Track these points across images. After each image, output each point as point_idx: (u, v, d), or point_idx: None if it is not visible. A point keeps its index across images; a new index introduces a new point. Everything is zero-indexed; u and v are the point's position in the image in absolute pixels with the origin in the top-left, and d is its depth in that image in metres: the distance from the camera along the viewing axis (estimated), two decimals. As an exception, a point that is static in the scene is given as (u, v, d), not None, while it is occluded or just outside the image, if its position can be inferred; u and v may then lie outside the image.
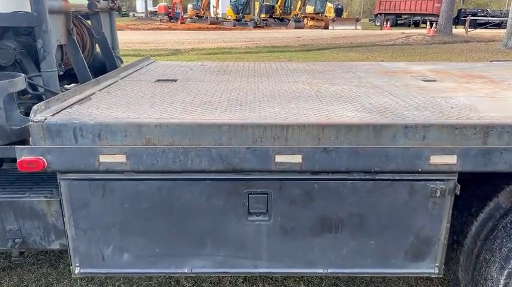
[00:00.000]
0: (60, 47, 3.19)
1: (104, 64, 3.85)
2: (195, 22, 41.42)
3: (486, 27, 33.57)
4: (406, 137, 2.20)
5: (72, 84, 3.76)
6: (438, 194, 2.22)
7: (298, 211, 2.27)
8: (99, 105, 2.61)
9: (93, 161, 2.17)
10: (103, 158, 2.17)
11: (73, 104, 2.60)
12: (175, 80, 3.53)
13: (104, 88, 3.12)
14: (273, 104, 2.65)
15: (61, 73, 3.10)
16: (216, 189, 2.25)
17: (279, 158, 2.16)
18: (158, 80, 3.53)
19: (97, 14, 3.74)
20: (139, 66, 4.24)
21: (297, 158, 2.15)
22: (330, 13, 38.59)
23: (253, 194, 2.25)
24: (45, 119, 2.23)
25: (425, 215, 2.26)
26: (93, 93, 2.95)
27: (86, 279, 3.37)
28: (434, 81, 3.53)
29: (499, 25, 34.80)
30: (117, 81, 3.44)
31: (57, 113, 2.38)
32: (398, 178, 2.21)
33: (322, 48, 21.22)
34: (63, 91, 2.99)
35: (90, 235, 2.35)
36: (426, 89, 3.15)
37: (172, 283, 3.35)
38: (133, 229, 2.31)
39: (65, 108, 2.49)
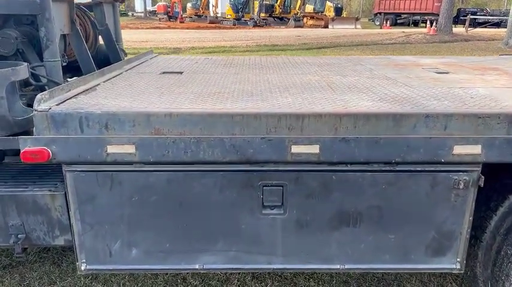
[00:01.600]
0: (63, 37, 3.09)
1: (107, 56, 3.75)
2: (194, 21, 41.27)
3: (485, 27, 33.54)
4: (427, 127, 2.11)
5: (75, 78, 3.66)
6: (461, 186, 2.12)
7: (315, 204, 2.17)
8: (106, 95, 2.51)
9: (101, 152, 2.08)
10: (111, 149, 2.07)
11: (78, 94, 2.51)
12: (182, 73, 3.44)
13: (108, 79, 3.02)
14: (285, 95, 2.55)
15: (64, 64, 3.00)
16: (229, 181, 2.15)
17: (296, 149, 2.06)
18: (164, 72, 3.43)
19: (100, 5, 3.64)
20: (143, 59, 4.14)
21: (314, 149, 2.06)
22: (330, 12, 38.48)
23: (268, 186, 2.15)
24: (50, 108, 2.13)
25: (447, 208, 2.17)
26: (98, 84, 2.85)
27: (90, 277, 3.26)
28: (447, 73, 3.44)
29: (498, 24, 34.78)
30: (121, 73, 3.34)
31: (62, 102, 2.28)
32: (419, 169, 2.12)
33: (322, 46, 21.12)
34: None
35: (97, 229, 2.25)
36: (441, 80, 3.06)
37: (179, 280, 3.25)
38: (142, 223, 2.21)
39: (70, 98, 2.39)
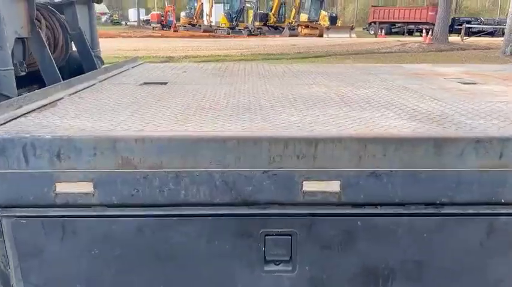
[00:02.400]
0: (22, 41, 2.57)
1: (81, 65, 3.23)
2: (188, 30, 40.89)
3: (479, 36, 33.47)
4: (478, 155, 1.61)
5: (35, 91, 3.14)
6: (527, 234, 1.62)
7: (334, 259, 1.65)
8: (65, 113, 2.00)
9: (48, 192, 1.55)
10: (61, 187, 1.55)
11: (30, 111, 1.99)
12: (166, 83, 2.94)
13: (76, 92, 2.51)
14: (291, 111, 2.05)
15: (22, 74, 2.48)
16: (220, 229, 1.62)
17: (309, 186, 1.55)
18: (145, 83, 2.92)
19: (72, 6, 3.14)
20: (124, 68, 3.63)
21: (333, 186, 1.55)
22: (324, 21, 38.28)
23: (272, 235, 1.62)
24: (-16, 131, 1.61)
25: (508, 262, 1.66)
26: (61, 98, 2.34)
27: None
28: (474, 83, 2.96)
29: (492, 33, 34.78)
30: (94, 84, 2.83)
31: (5, 123, 1.77)
32: (472, 211, 1.61)
33: (318, 55, 20.74)
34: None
35: (46, 291, 1.71)
36: (473, 93, 2.58)
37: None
38: (104, 285, 1.67)
39: (18, 117, 1.88)
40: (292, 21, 38.97)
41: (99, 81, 2.92)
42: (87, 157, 1.58)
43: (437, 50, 24.31)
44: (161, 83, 2.93)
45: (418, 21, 39.72)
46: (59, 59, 3.10)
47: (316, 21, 38.13)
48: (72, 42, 3.30)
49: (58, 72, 2.66)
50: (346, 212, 1.60)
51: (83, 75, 2.84)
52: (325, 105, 2.20)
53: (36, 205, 1.58)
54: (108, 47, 19.59)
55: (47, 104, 2.16)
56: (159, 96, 2.41)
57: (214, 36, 34.48)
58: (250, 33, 36.55)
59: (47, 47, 2.66)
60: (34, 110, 2.02)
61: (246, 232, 1.61)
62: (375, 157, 1.60)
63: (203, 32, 37.85)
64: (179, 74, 3.46)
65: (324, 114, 1.98)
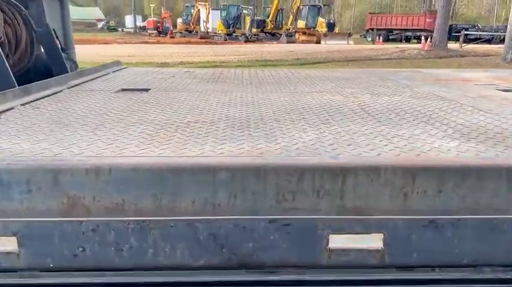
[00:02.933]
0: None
1: (47, 67, 2.74)
2: (184, 37, 40.44)
3: (477, 43, 33.29)
4: None
5: None
6: None
7: None
8: (4, 129, 1.51)
9: (-48, 250, 1.06)
10: (-28, 244, 1.05)
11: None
12: (148, 90, 2.45)
13: (32, 101, 2.02)
14: (302, 126, 1.58)
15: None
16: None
17: (336, 241, 1.06)
18: (123, 90, 2.44)
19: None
20: (104, 72, 3.15)
21: (374, 241, 1.06)
22: (322, 28, 37.89)
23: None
24: None
25: None
26: (10, 108, 1.85)
27: None
28: (514, 91, 2.50)
29: (489, 41, 34.62)
30: (61, 91, 2.34)
31: None
32: None
33: (316, 62, 20.32)
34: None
35: None
36: (521, 102, 2.11)
37: None
38: None
39: None
40: (289, 28, 38.63)
41: (68, 88, 2.44)
42: (19, 195, 1.09)
43: (437, 56, 24.00)
44: (142, 90, 2.45)
45: (416, 28, 39.54)
46: (23, 60, 2.61)
47: (314, 28, 37.80)
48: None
49: (12, 76, 2.17)
50: (391, 278, 1.10)
51: (45, 80, 2.34)
52: (344, 117, 1.73)
53: None
54: (104, 53, 19.15)
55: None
56: (135, 107, 1.93)
57: (211, 43, 34.11)
58: (248, 40, 36.20)
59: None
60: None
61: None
62: (424, 194, 1.12)
63: (200, 38, 37.44)
64: (166, 79, 2.98)
65: (347, 131, 1.50)
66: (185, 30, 42.75)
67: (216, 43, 33.99)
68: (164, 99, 2.15)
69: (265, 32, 39.45)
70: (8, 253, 1.05)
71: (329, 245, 1.07)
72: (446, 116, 1.76)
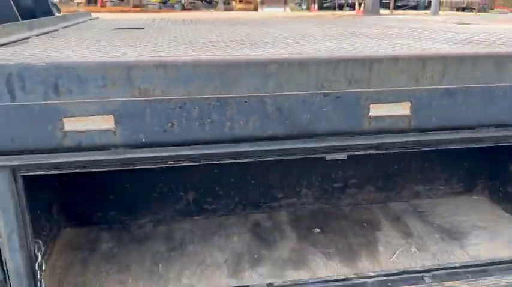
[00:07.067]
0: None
1: (31, 9, 2.69)
2: (115, 6, 38.52)
3: (405, 9, 35.04)
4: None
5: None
6: None
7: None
8: (47, 46, 1.59)
9: (53, 131, 1.19)
10: (70, 124, 1.19)
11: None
12: (143, 28, 2.54)
13: (42, 34, 2.06)
14: (317, 42, 1.79)
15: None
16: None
17: (377, 110, 1.32)
18: (118, 29, 2.51)
19: None
20: (82, 19, 3.14)
21: (403, 109, 1.34)
22: (259, -5, 37.82)
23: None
24: None
25: None
26: (28, 37, 1.89)
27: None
28: (469, 24, 2.91)
29: (415, 7, 36.55)
30: (57, 29, 2.37)
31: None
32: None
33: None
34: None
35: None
36: (478, 28, 2.48)
37: None
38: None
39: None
40: (226, -5, 38.05)
41: (63, 28, 2.46)
42: (95, 89, 1.23)
43: (371, 21, 25.08)
44: (137, 28, 2.53)
45: (349, -5, 40.65)
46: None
47: (250, -5, 37.54)
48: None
49: (15, 10, 2.16)
50: (416, 139, 1.39)
51: (40, 18, 2.35)
52: (351, 38, 1.95)
53: (35, 149, 1.20)
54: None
55: (15, 41, 1.72)
56: (150, 36, 2.04)
57: (145, 11, 32.78)
58: (184, 8, 35.18)
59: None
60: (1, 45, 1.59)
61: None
62: (432, 79, 1.41)
63: (133, 7, 35.81)
64: (149, 23, 3.04)
65: (358, 44, 1.74)
66: (116, -1, 40.62)
67: (150, 11, 32.76)
68: (168, 32, 2.26)
69: (202, 0, 38.64)
70: (106, 131, 1.20)
71: (370, 114, 1.33)
72: (430, 35, 2.06)
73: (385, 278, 1.60)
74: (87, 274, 1.66)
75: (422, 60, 1.40)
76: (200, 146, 1.26)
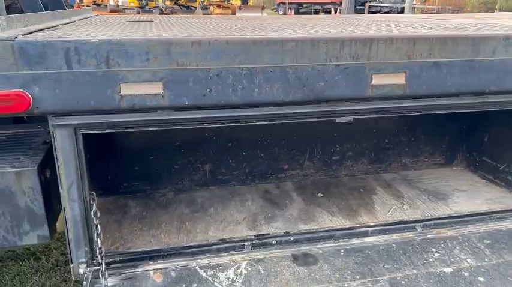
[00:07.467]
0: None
1: (46, 3, 2.87)
2: (93, 10, 38.22)
3: (379, 14, 36.00)
4: (507, 52, 1.78)
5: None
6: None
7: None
8: (84, 31, 1.79)
9: (111, 95, 1.40)
10: (127, 89, 1.41)
11: (44, 29, 1.76)
12: (152, 21, 2.75)
13: (67, 23, 2.25)
14: (316, 29, 2.06)
15: None
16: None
17: (378, 79, 1.59)
18: (130, 21, 2.71)
19: None
20: (88, 15, 3.33)
21: (400, 78, 1.61)
22: (236, 1, 38.21)
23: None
24: (16, 37, 1.40)
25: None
26: (57, 25, 2.08)
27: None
28: (445, 19, 3.22)
29: (389, 12, 37.59)
30: (74, 21, 2.56)
31: (29, 34, 1.55)
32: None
33: (237, 32, 20.68)
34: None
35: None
36: (463, 22, 2.80)
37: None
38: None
39: (34, 31, 1.65)
40: (204, 0, 38.25)
41: (78, 20, 2.65)
42: (140, 62, 1.44)
43: (347, 26, 25.70)
44: (148, 21, 2.74)
45: (324, 1, 41.46)
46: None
47: (228, 1, 37.88)
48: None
49: (40, 3, 2.35)
50: (409, 105, 1.67)
51: (56, 11, 2.53)
52: (346, 26, 2.21)
53: (98, 110, 1.42)
54: None
55: (50, 27, 1.92)
56: (167, 25, 2.26)
57: (124, 15, 32.62)
58: (162, 13, 35.13)
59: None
60: (43, 29, 1.78)
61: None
62: (421, 56, 1.68)
63: (110, 12, 35.57)
64: (152, 19, 3.25)
65: (356, 30, 2.00)
66: (93, 3, 40.30)
67: (128, 16, 32.67)
68: (179, 24, 2.48)
69: (180, 5, 38.69)
70: (156, 95, 1.43)
71: (372, 82, 1.60)
72: (417, 25, 2.35)
73: (383, 227, 1.87)
74: (123, 231, 1.87)
75: (413, 41, 1.68)
76: (231, 110, 1.51)
